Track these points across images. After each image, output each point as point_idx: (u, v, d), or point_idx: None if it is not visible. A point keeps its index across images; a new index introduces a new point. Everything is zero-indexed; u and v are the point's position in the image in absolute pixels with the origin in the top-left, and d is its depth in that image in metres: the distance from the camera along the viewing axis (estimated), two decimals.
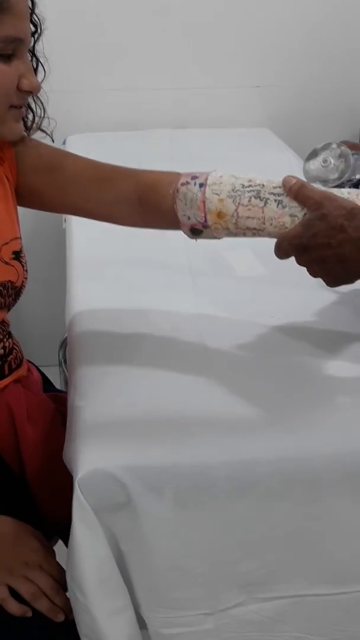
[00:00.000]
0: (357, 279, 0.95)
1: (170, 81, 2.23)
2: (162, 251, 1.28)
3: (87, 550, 0.83)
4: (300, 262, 0.94)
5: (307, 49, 2.23)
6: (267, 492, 0.84)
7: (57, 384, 1.35)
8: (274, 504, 0.85)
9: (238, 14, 2.16)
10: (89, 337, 1.08)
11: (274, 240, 0.95)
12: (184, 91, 2.25)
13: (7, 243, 1.03)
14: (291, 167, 1.80)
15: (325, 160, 1.08)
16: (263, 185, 0.95)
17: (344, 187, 1.09)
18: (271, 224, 0.94)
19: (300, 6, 2.16)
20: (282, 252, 0.95)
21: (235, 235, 0.98)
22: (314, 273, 0.95)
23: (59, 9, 1.93)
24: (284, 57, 2.24)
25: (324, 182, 1.06)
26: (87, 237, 1.39)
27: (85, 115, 2.21)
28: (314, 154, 1.10)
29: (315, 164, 1.09)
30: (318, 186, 0.98)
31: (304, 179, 1.07)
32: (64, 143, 1.99)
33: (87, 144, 1.93)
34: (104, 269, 1.28)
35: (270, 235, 0.96)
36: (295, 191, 0.93)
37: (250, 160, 1.74)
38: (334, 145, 1.09)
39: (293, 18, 2.18)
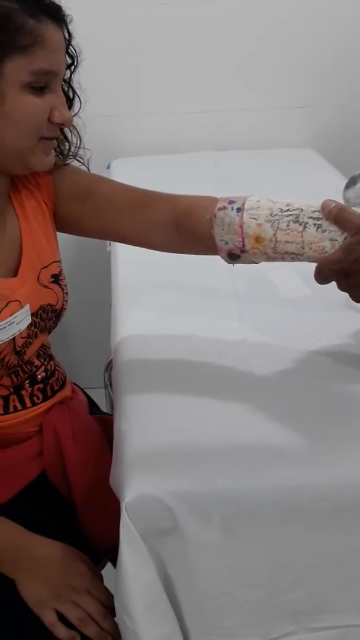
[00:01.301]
0: None
1: (212, 103, 2.24)
2: (207, 275, 1.28)
3: (134, 575, 0.83)
4: (342, 287, 0.94)
5: (347, 67, 2.23)
6: (314, 518, 0.83)
7: (103, 406, 1.35)
8: (321, 530, 0.84)
9: (280, 35, 2.16)
10: (135, 362, 1.08)
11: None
12: (226, 113, 2.26)
13: (46, 267, 1.04)
14: (336, 187, 1.79)
15: None
16: (302, 209, 0.94)
17: None
18: (310, 248, 0.94)
19: (339, 25, 2.16)
20: (323, 277, 0.94)
21: (274, 259, 0.98)
22: (356, 298, 0.94)
23: (100, 31, 1.97)
24: (325, 77, 2.24)
25: None
26: (131, 260, 1.40)
27: (129, 139, 2.23)
28: (352, 182, 1.09)
29: (355, 192, 1.08)
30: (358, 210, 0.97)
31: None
32: (108, 167, 2.01)
33: (131, 168, 1.95)
34: (148, 293, 1.29)
35: (309, 259, 0.95)
36: (335, 214, 0.92)
37: (295, 181, 1.74)
38: None
39: (332, 37, 2.18)
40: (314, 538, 0.84)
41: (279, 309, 1.23)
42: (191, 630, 0.88)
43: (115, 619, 0.89)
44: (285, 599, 0.87)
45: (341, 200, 0.97)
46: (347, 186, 1.08)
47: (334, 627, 0.89)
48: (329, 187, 1.76)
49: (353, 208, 0.96)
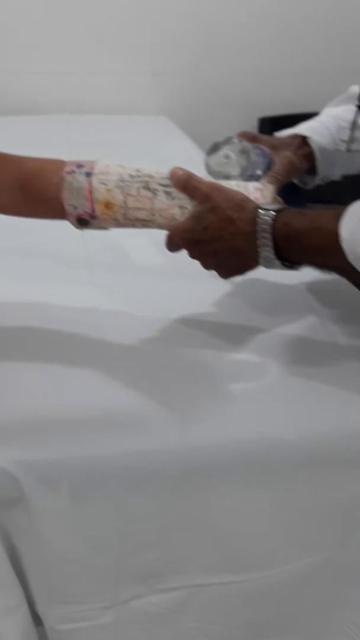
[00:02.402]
0: (248, 271, 0.96)
1: (66, 65, 2.20)
2: (58, 241, 1.26)
3: None
4: (193, 255, 0.95)
5: (200, 36, 2.24)
6: (164, 483, 0.83)
7: None
8: (171, 495, 0.84)
9: (136, 3, 2.14)
10: None
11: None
12: (80, 76, 2.22)
13: None
14: (189, 156, 1.80)
15: (226, 156, 1.07)
16: (151, 175, 0.94)
17: None
18: (160, 216, 0.94)
19: None
20: (173, 245, 0.95)
21: (124, 226, 0.97)
22: (207, 266, 0.95)
23: None
24: (179, 45, 2.24)
25: (226, 177, 1.06)
26: None
27: None
28: (215, 148, 1.09)
29: (216, 159, 1.08)
30: (220, 182, 0.98)
31: (206, 173, 1.07)
32: None
33: None
34: None
35: (159, 226, 0.95)
36: (183, 182, 0.93)
37: (149, 149, 1.73)
38: (236, 140, 1.08)
39: (186, 6, 2.19)
40: (163, 502, 0.84)
41: (132, 276, 1.22)
42: (38, 600, 0.86)
43: None
44: (134, 563, 0.87)
45: (196, 168, 0.97)
46: (209, 152, 1.08)
47: (182, 588, 0.90)
48: (183, 156, 1.77)
49: (217, 181, 0.97)
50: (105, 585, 0.88)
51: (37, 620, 0.88)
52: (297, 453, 0.86)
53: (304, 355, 1.00)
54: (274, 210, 0.90)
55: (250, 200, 0.94)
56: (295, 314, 1.10)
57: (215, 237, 0.91)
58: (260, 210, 0.91)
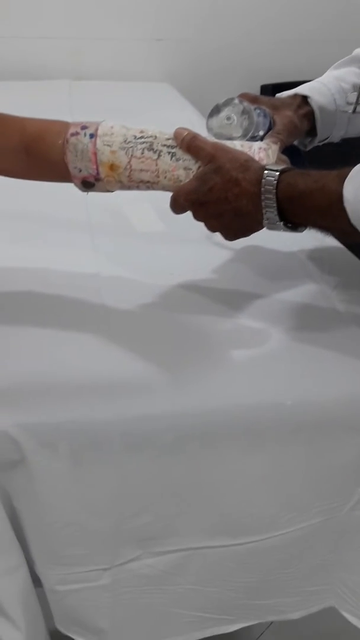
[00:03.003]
0: (253, 232, 0.95)
1: (68, 30, 2.17)
2: (60, 205, 1.25)
3: None
4: (197, 217, 0.94)
5: (202, 3, 2.22)
6: (162, 447, 0.84)
7: None
8: (169, 458, 0.85)
9: None
10: None
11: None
12: (83, 41, 2.20)
13: None
14: (191, 123, 1.79)
15: (228, 118, 1.06)
16: (155, 137, 0.93)
17: None
18: (165, 177, 0.93)
19: None
20: (178, 207, 0.94)
21: (129, 188, 0.97)
22: (212, 228, 0.94)
23: None
24: (183, 10, 2.21)
25: (228, 139, 1.05)
26: None
27: None
28: (216, 110, 1.08)
29: (218, 121, 1.07)
30: (224, 142, 0.97)
31: (208, 136, 1.06)
32: None
33: None
34: None
35: (164, 188, 0.95)
36: (187, 143, 0.92)
37: (151, 115, 1.71)
38: (236, 101, 1.07)
39: None
40: (160, 466, 0.85)
41: (134, 242, 1.22)
42: (37, 561, 0.88)
43: None
44: (132, 526, 0.88)
45: (200, 130, 0.96)
46: (211, 114, 1.07)
47: (179, 550, 0.91)
48: (184, 122, 1.75)
49: (213, 137, 0.96)
50: (104, 548, 0.89)
51: (36, 581, 0.89)
52: (294, 418, 0.87)
53: (302, 321, 1.01)
54: (278, 171, 0.89)
55: (255, 161, 0.93)
56: (294, 280, 1.10)
57: (220, 198, 0.90)
58: (265, 171, 0.89)
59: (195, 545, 0.91)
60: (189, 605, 0.95)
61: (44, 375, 0.87)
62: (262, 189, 0.88)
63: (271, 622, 1.46)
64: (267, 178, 0.88)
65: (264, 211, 0.89)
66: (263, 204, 0.89)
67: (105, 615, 0.92)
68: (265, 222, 0.91)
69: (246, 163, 0.91)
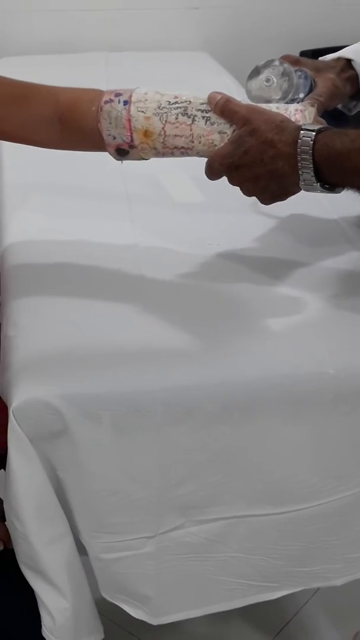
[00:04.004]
0: (290, 195, 0.93)
1: (104, 2, 2.16)
2: (98, 176, 1.25)
3: (23, 479, 0.82)
4: (232, 181, 0.92)
5: None
6: (202, 416, 0.84)
7: None
8: (210, 428, 0.85)
9: None
10: (22, 267, 1.05)
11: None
12: (118, 12, 2.18)
13: None
14: (229, 91, 1.77)
15: (268, 80, 1.04)
16: (190, 101, 0.92)
17: None
18: (200, 142, 0.92)
19: None
20: (213, 172, 0.92)
21: (163, 155, 0.96)
22: (247, 192, 0.93)
23: None
24: None
25: (267, 101, 1.03)
26: (18, 162, 1.34)
27: (17, 37, 2.13)
28: (255, 72, 1.05)
29: (257, 83, 1.05)
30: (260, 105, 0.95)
31: (247, 99, 1.05)
32: None
33: (18, 67, 1.85)
34: (36, 195, 1.25)
35: (199, 153, 0.93)
36: (221, 107, 0.90)
37: (188, 85, 1.69)
38: (277, 63, 1.04)
39: None
40: (202, 436, 0.85)
41: (172, 212, 1.21)
42: (82, 530, 0.89)
43: (6, 523, 0.88)
44: (175, 495, 0.88)
45: (237, 97, 0.95)
46: (250, 77, 1.05)
47: (222, 519, 0.92)
48: (222, 89, 1.73)
49: (253, 100, 0.94)
50: (147, 516, 0.90)
51: (81, 549, 0.90)
52: (335, 387, 0.86)
53: (343, 289, 0.99)
54: (315, 131, 0.87)
55: (290, 122, 0.91)
56: (334, 248, 1.08)
57: (255, 160, 0.89)
58: (301, 131, 0.87)
59: (238, 514, 0.91)
60: (232, 573, 0.95)
61: (83, 346, 0.88)
62: (298, 149, 0.86)
63: (316, 590, 1.47)
64: (303, 138, 0.86)
65: (300, 172, 0.87)
66: (299, 165, 0.87)
67: (150, 582, 0.93)
68: (301, 183, 0.89)
69: (282, 124, 0.89)
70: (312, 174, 0.87)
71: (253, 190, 0.92)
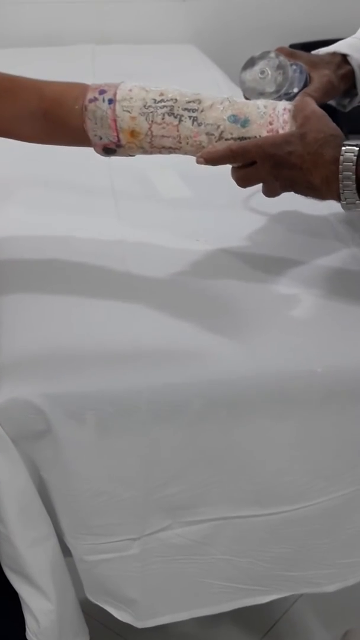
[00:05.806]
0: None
1: None
2: (85, 172, 1.23)
3: (6, 479, 0.81)
4: (262, 173, 0.89)
5: None
6: (189, 415, 0.83)
7: None
8: (198, 427, 0.84)
9: None
10: (6, 263, 1.03)
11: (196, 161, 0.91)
12: (106, 4, 2.16)
13: None
14: (218, 85, 1.75)
15: (262, 72, 1.01)
16: (176, 99, 0.90)
17: (280, 100, 1.03)
18: (187, 143, 0.90)
19: None
20: (246, 156, 0.88)
21: (151, 153, 0.94)
22: (271, 190, 0.90)
23: None
24: None
25: (261, 94, 1.01)
26: (3, 156, 1.32)
27: (3, 30, 2.10)
28: (250, 63, 1.03)
29: (251, 74, 1.02)
30: (247, 102, 0.93)
31: (240, 90, 1.03)
32: None
33: (4, 60, 1.83)
34: (21, 191, 1.23)
35: (187, 153, 0.92)
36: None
37: (176, 78, 1.67)
38: (272, 55, 1.02)
39: None
40: (189, 435, 0.84)
41: (158, 208, 1.20)
42: (66, 531, 0.87)
43: None
44: (161, 495, 0.87)
45: (226, 91, 0.93)
46: (245, 67, 1.02)
47: (209, 520, 0.90)
48: (211, 85, 1.72)
49: (246, 92, 0.92)
50: (133, 517, 0.88)
51: (66, 551, 0.89)
52: (325, 385, 0.85)
53: (333, 286, 0.98)
54: (358, 146, 0.83)
55: (337, 136, 0.87)
56: (325, 245, 1.07)
57: (295, 165, 0.86)
58: (342, 147, 0.84)
59: (225, 515, 0.90)
60: (220, 576, 0.94)
61: (68, 344, 0.86)
62: (340, 166, 0.83)
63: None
64: (346, 154, 0.83)
65: (341, 191, 0.84)
66: (341, 184, 0.84)
67: (135, 584, 0.92)
68: (342, 204, 0.86)
69: (329, 138, 0.86)
70: (355, 191, 0.84)
71: (278, 191, 0.90)
